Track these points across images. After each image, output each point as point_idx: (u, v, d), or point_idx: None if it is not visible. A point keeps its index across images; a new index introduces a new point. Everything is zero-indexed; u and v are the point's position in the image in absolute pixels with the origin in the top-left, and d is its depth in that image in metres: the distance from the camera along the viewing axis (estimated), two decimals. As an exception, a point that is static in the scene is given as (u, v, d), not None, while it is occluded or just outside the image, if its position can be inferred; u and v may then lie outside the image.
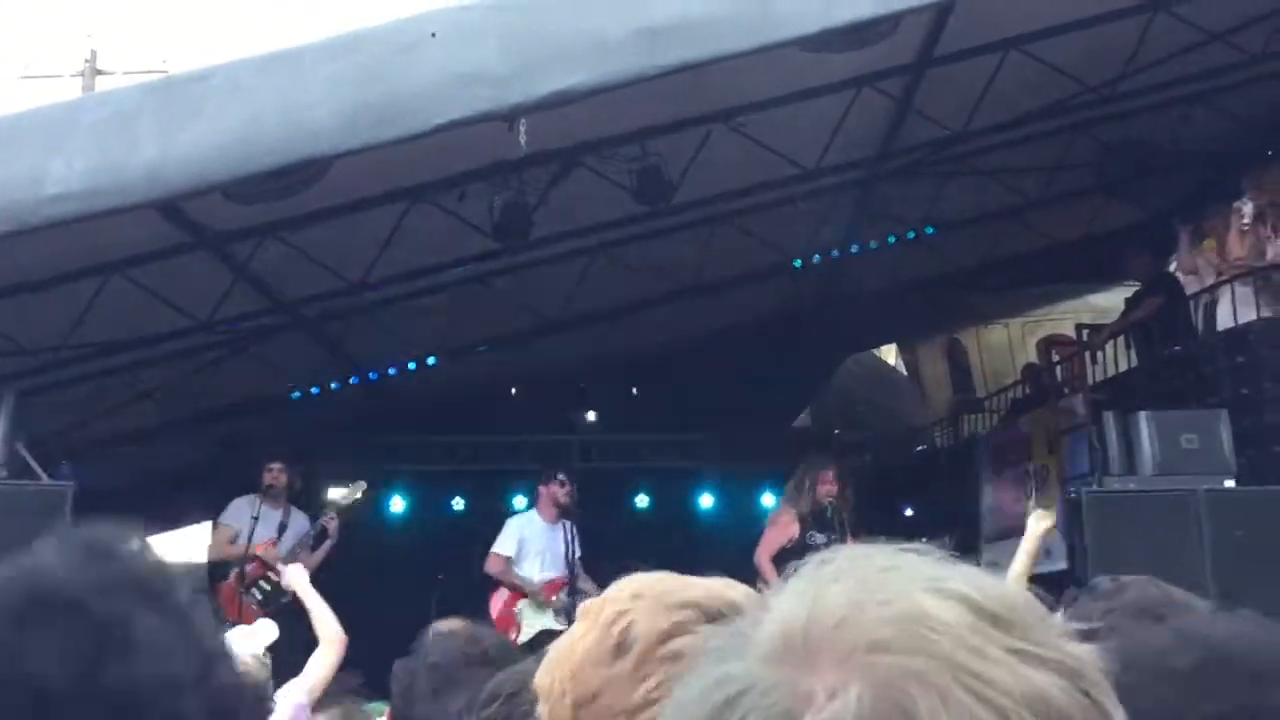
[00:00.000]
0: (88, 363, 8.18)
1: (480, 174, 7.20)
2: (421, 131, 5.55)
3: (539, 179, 7.35)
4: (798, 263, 9.91)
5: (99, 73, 19.38)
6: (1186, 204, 9.99)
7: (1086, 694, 0.63)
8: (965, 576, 0.66)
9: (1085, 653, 0.65)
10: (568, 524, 8.10)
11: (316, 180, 5.97)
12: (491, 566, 8.01)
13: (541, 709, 1.14)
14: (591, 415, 11.35)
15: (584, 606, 1.21)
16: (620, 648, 1.11)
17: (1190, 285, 8.83)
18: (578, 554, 8.05)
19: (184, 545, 13.65)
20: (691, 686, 0.66)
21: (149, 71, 17.51)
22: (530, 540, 8.10)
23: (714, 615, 1.12)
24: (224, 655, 0.90)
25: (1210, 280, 8.12)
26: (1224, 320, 7.55)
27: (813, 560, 0.70)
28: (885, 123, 8.12)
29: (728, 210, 8.66)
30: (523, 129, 5.50)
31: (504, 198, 7.34)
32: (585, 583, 7.62)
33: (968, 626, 0.63)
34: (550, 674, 1.15)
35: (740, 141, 7.49)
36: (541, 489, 8.27)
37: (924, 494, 11.83)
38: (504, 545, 8.09)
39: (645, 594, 1.15)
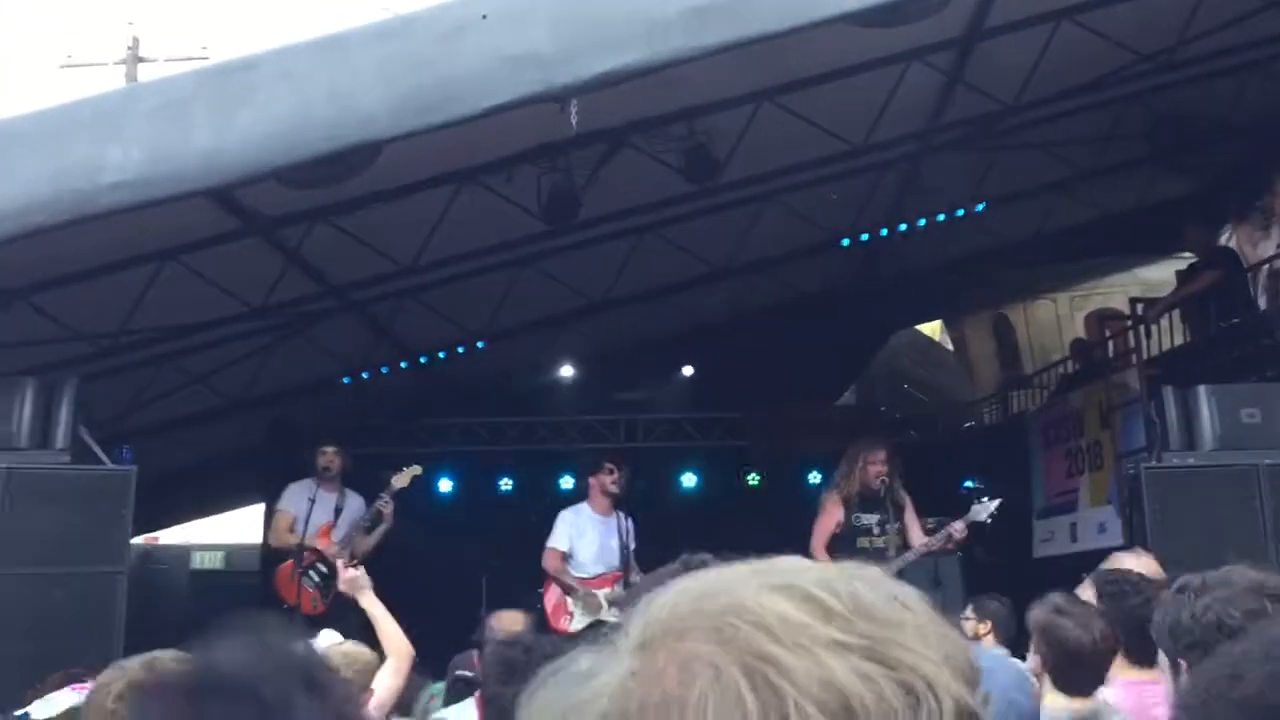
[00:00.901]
0: (143, 349, 8.29)
1: (527, 156, 7.20)
2: (471, 115, 5.55)
3: (586, 159, 7.34)
4: (845, 241, 9.83)
5: (140, 60, 19.55)
6: (1238, 175, 9.83)
7: (903, 685, 0.63)
8: (825, 577, 0.68)
9: (934, 648, 0.65)
10: (622, 515, 8.01)
11: (368, 165, 5.98)
12: (548, 562, 7.92)
13: None
14: (638, 395, 11.35)
15: None
16: None
17: (1248, 257, 8.69)
18: (633, 546, 7.94)
19: (234, 526, 13.87)
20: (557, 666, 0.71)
21: (190, 59, 17.66)
22: (582, 534, 7.96)
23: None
24: None
25: (1272, 251, 7.97)
26: None
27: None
28: (934, 97, 8.03)
29: (775, 188, 8.61)
30: (574, 110, 5.49)
31: (551, 179, 7.34)
32: (637, 575, 7.54)
33: (782, 619, 0.65)
34: None
35: (788, 119, 7.44)
36: (591, 480, 8.10)
37: (972, 471, 11.75)
38: (558, 540, 7.93)
39: None
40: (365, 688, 4.31)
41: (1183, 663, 2.07)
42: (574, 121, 5.59)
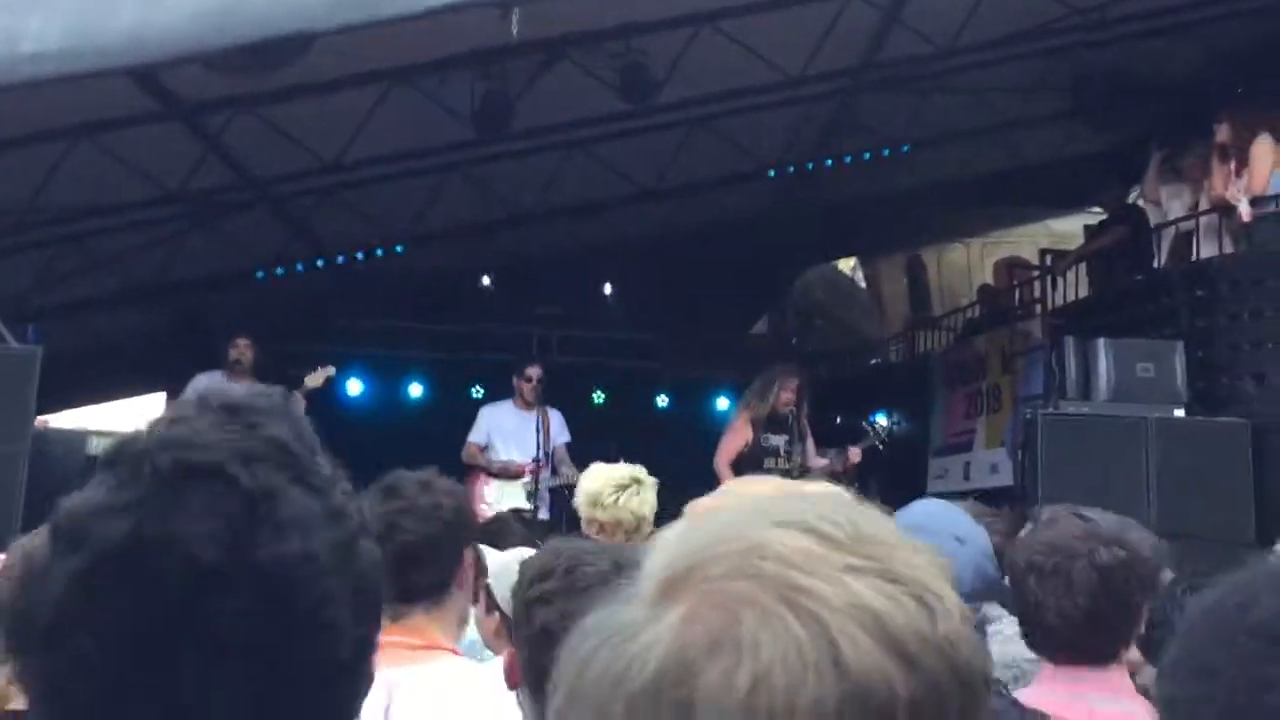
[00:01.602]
0: (51, 227, 8.05)
1: (463, 60, 7.10)
2: (410, 14, 5.46)
3: (522, 70, 7.25)
4: (772, 172, 9.89)
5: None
6: (1158, 134, 10.09)
7: (917, 599, 0.68)
8: (819, 511, 0.72)
9: (927, 563, 0.71)
10: (547, 410, 8.16)
11: (299, 55, 5.86)
12: (465, 455, 8.15)
13: None
14: (555, 309, 11.36)
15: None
16: None
17: (1153, 215, 8.96)
18: (561, 440, 8.12)
19: (129, 416, 13.60)
20: (582, 627, 0.73)
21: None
22: (499, 428, 8.20)
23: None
24: (365, 532, 0.89)
25: (1179, 213, 8.24)
26: (1205, 253, 7.69)
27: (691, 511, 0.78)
28: (871, 35, 8.08)
29: (708, 113, 8.62)
30: (515, 18, 5.42)
31: (486, 86, 7.25)
32: (567, 467, 7.72)
33: (801, 551, 0.69)
34: None
35: (726, 44, 7.43)
36: (515, 381, 8.37)
37: (876, 407, 12.06)
38: (475, 434, 8.22)
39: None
40: None
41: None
42: (515, 30, 5.53)
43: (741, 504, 0.75)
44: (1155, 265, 8.48)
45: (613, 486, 3.96)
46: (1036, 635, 2.30)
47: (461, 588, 2.36)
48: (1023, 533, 2.64)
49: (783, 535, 0.70)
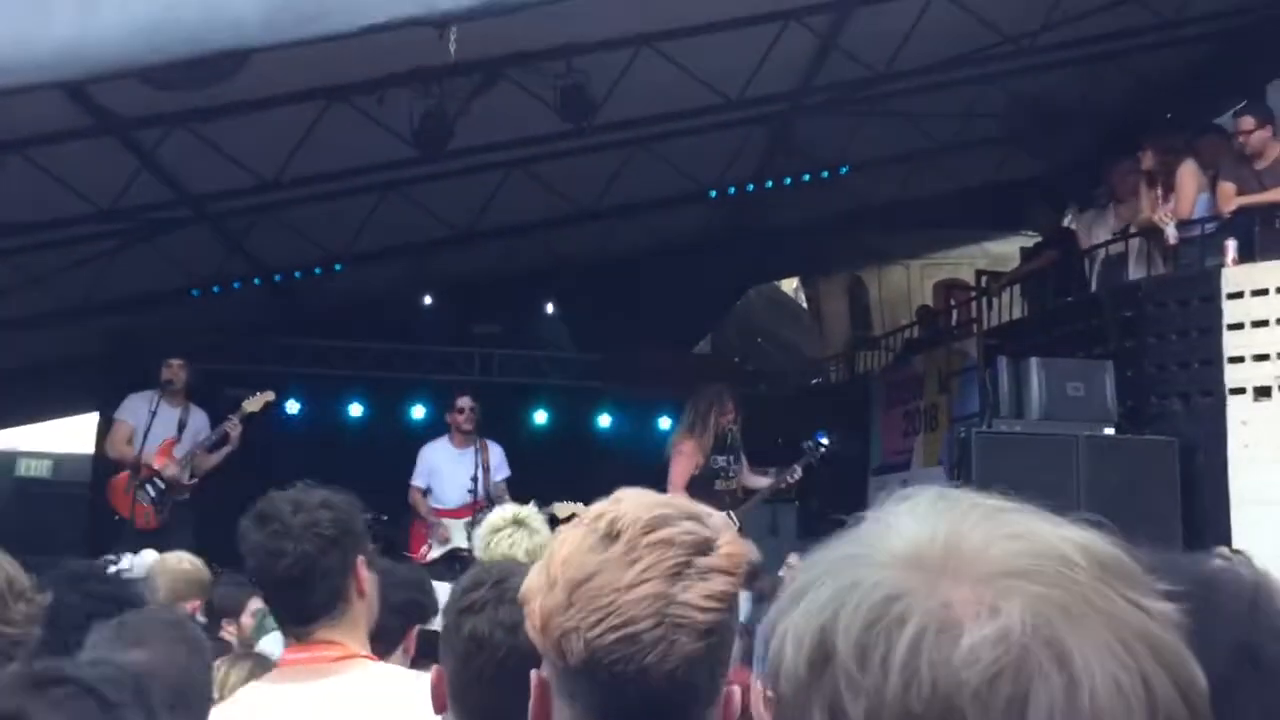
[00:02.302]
0: (-22, 244, 7.90)
1: (401, 79, 7.08)
2: (347, 31, 5.43)
3: (461, 89, 7.25)
4: (712, 193, 9.98)
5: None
6: (1082, 162, 10.32)
7: (1174, 638, 0.71)
8: (1070, 526, 0.74)
9: (1170, 609, 0.73)
10: (485, 445, 8.07)
11: (234, 72, 5.81)
12: (410, 498, 8.07)
13: (531, 608, 1.19)
14: (494, 328, 11.33)
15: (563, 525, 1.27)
16: (609, 536, 1.17)
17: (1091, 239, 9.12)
18: (500, 475, 8.03)
19: (64, 436, 13.35)
20: (827, 578, 0.73)
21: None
22: (439, 468, 8.09)
23: (692, 514, 1.20)
24: None
25: (1104, 237, 8.42)
26: (1134, 275, 7.86)
27: (898, 494, 0.78)
28: (808, 59, 8.19)
29: (647, 134, 8.67)
30: (453, 37, 5.42)
31: (424, 105, 7.24)
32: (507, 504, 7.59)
33: (1093, 572, 0.70)
34: (538, 574, 1.21)
35: (666, 66, 7.49)
36: (447, 417, 8.25)
37: (815, 426, 12.14)
38: (416, 477, 8.11)
39: (624, 497, 1.22)
40: (190, 598, 4.28)
41: None
42: (453, 49, 5.53)
43: (959, 498, 0.76)
44: (1086, 287, 8.65)
45: (489, 529, 3.97)
46: None
47: (362, 595, 2.33)
48: None
49: (1068, 547, 0.71)
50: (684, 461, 7.80)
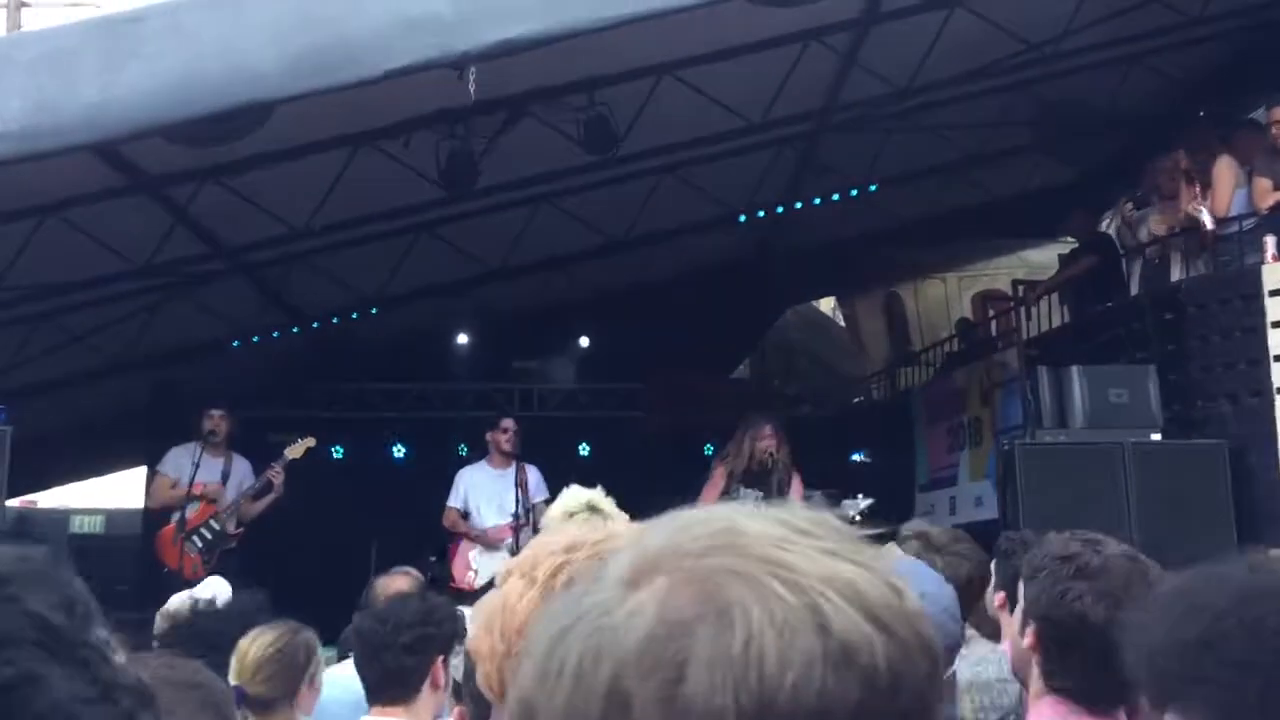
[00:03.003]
0: (22, 305, 8.04)
1: (426, 121, 7.14)
2: (367, 79, 5.49)
3: (485, 127, 7.30)
4: (742, 217, 9.96)
5: (24, 4, 18.78)
6: (1119, 164, 10.20)
7: (885, 580, 0.72)
8: (785, 510, 0.77)
9: (883, 555, 0.75)
10: (521, 468, 8.09)
11: (259, 125, 5.90)
12: (446, 520, 8.10)
13: (484, 670, 1.15)
14: (533, 364, 11.36)
15: (510, 565, 1.21)
16: (530, 580, 1.15)
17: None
18: (540, 497, 8.00)
19: (118, 491, 13.53)
20: (538, 629, 0.75)
21: (76, 4, 17.01)
22: (477, 489, 8.14)
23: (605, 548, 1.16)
24: (143, 706, 0.81)
25: (1147, 237, 8.28)
26: (1176, 276, 7.73)
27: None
28: (830, 78, 8.17)
29: (673, 162, 8.68)
30: (472, 78, 5.47)
31: (450, 145, 7.29)
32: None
33: (777, 535, 0.73)
34: (490, 635, 1.16)
35: (687, 93, 7.51)
36: (488, 436, 8.30)
37: (860, 446, 12.05)
38: (453, 498, 8.18)
39: (579, 544, 1.18)
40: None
41: (1034, 624, 2.20)
42: (472, 89, 5.57)
43: (686, 516, 0.77)
44: (1126, 291, 8.53)
45: (562, 513, 3.83)
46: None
47: (435, 688, 2.91)
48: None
49: (754, 522, 0.74)
50: (710, 490, 7.77)
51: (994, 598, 3.16)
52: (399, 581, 4.92)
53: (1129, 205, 7.99)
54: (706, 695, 0.66)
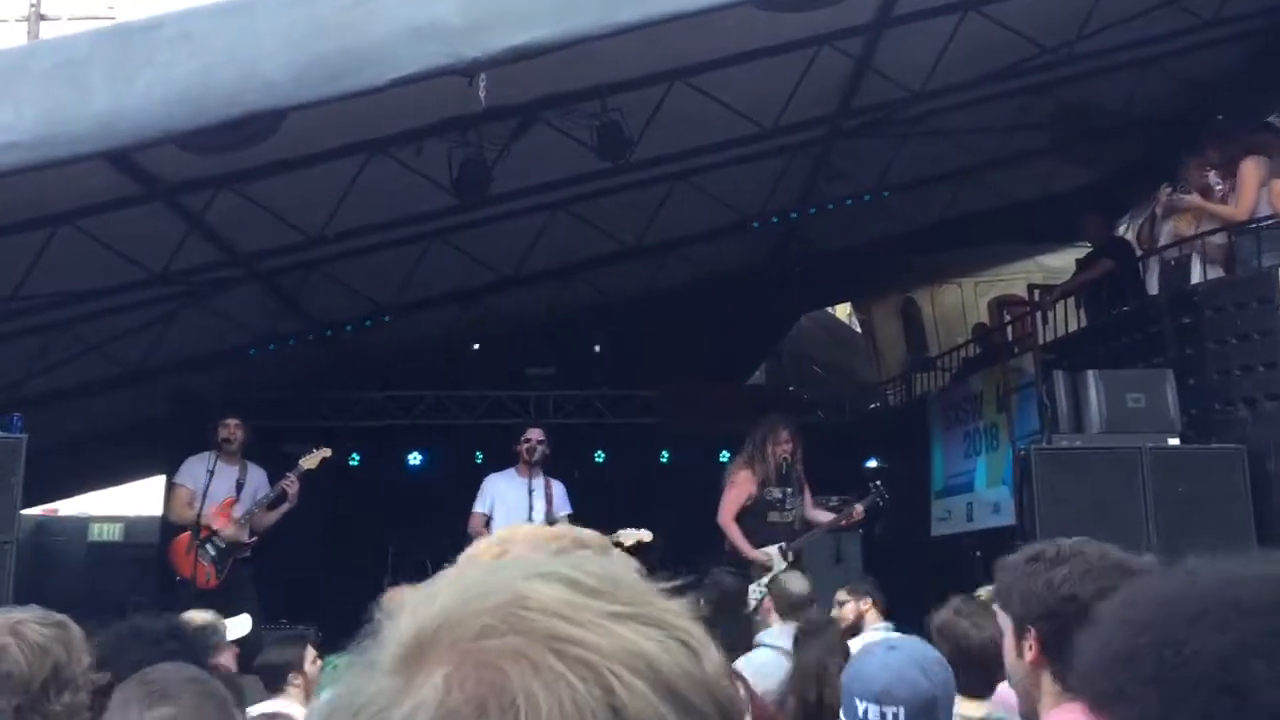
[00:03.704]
0: (37, 315, 8.08)
1: (438, 128, 7.15)
2: (376, 86, 5.48)
3: (498, 134, 7.31)
4: (755, 224, 9.94)
5: (43, 18, 18.95)
6: (1136, 167, 10.13)
7: (681, 641, 0.69)
8: (571, 562, 0.73)
9: (679, 607, 0.72)
10: (546, 480, 8.12)
11: (271, 132, 5.90)
12: (470, 525, 8.12)
13: None
14: (548, 370, 11.36)
15: (463, 555, 1.24)
16: None
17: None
18: (564, 512, 8.03)
19: (136, 499, 13.59)
20: (323, 709, 0.71)
21: (95, 18, 17.14)
22: (502, 496, 8.17)
23: (584, 543, 1.17)
24: None
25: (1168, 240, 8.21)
26: (1196, 278, 7.66)
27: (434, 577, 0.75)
28: (843, 82, 8.14)
29: (686, 168, 8.67)
30: (483, 85, 5.46)
31: (463, 153, 7.30)
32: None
33: (564, 602, 0.68)
34: None
35: (700, 99, 7.49)
36: (515, 446, 8.34)
37: (876, 452, 11.99)
38: (479, 504, 8.18)
39: (515, 536, 1.20)
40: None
41: (1031, 630, 2.17)
42: (482, 96, 5.57)
43: (488, 564, 0.73)
44: (1143, 295, 8.45)
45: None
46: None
47: None
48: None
49: (541, 586, 0.69)
50: (734, 492, 7.75)
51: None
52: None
53: (1168, 190, 7.87)
54: None
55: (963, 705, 3.45)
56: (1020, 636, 2.19)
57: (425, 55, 5.36)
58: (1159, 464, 6.48)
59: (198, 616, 4.72)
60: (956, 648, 3.47)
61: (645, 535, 7.73)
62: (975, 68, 8.00)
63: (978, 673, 3.46)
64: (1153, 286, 8.29)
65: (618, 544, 7.94)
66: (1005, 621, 2.27)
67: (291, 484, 7.95)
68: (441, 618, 0.69)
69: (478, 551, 1.19)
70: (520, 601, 0.68)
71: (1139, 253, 8.90)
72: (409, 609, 0.71)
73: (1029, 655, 2.17)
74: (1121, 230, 10.38)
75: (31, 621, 2.14)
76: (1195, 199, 7.66)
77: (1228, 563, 1.08)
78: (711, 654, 0.70)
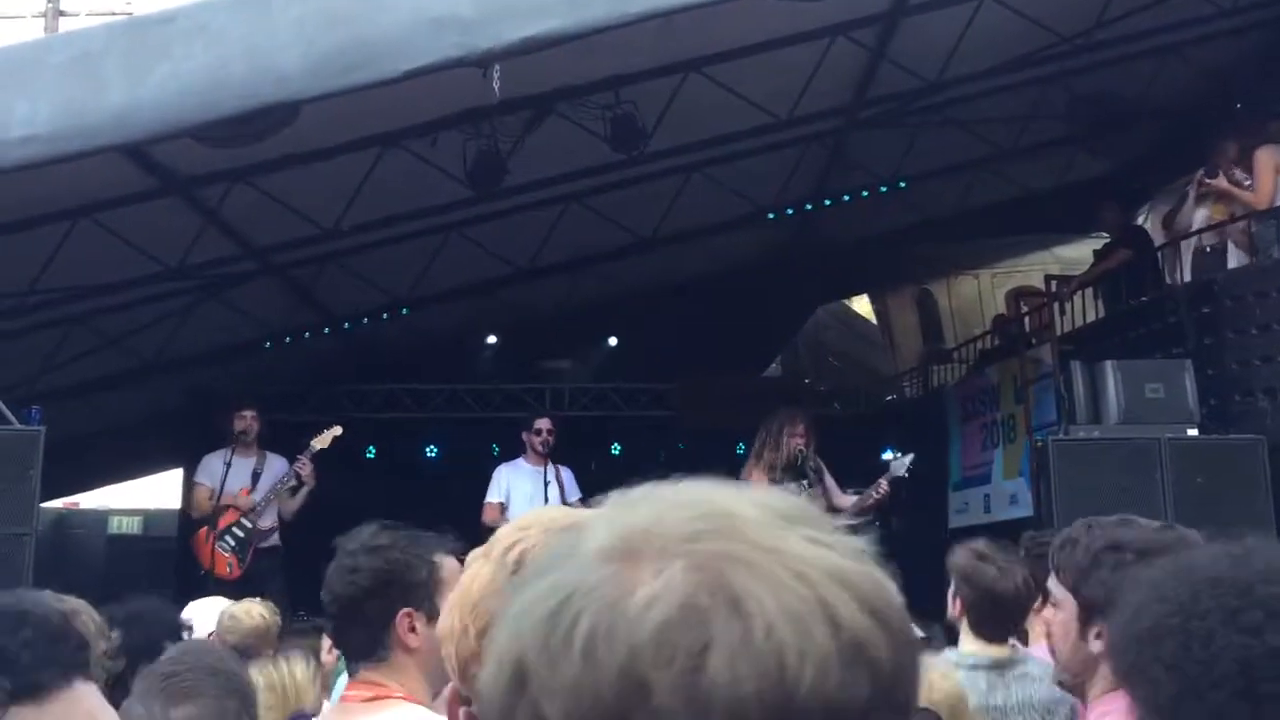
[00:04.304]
0: (55, 308, 8.12)
1: (453, 120, 7.15)
2: (391, 78, 5.49)
3: (512, 126, 7.30)
4: (771, 214, 9.91)
5: (61, 14, 19.01)
6: (1155, 157, 10.06)
7: (879, 579, 0.73)
8: (758, 491, 0.77)
9: (864, 542, 0.75)
10: (555, 468, 8.14)
11: (286, 125, 5.91)
12: (486, 516, 8.14)
13: (446, 651, 1.16)
14: (564, 363, 11.37)
15: (476, 551, 1.23)
16: (515, 574, 1.14)
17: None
18: (573, 497, 8.04)
19: (156, 492, 13.67)
20: (526, 593, 0.72)
21: (112, 13, 17.19)
22: (517, 485, 8.20)
23: None
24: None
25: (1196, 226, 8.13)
26: (1232, 264, 7.57)
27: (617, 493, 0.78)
28: (859, 72, 8.11)
29: (700, 159, 8.65)
30: (496, 76, 5.46)
31: (477, 145, 7.29)
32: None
33: (767, 521, 0.72)
34: (451, 616, 1.17)
35: (714, 90, 7.47)
36: (524, 436, 8.35)
37: (892, 444, 11.94)
38: (493, 493, 8.21)
39: (532, 523, 1.18)
40: (261, 649, 4.27)
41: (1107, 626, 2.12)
42: (496, 87, 5.56)
43: (678, 485, 0.76)
44: (1166, 284, 8.39)
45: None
46: None
47: (409, 652, 2.24)
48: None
49: (742, 503, 0.73)
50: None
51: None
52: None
53: (1202, 174, 7.79)
54: (729, 685, 0.66)
55: (987, 649, 3.44)
56: (1086, 623, 2.14)
57: (439, 47, 5.37)
58: (1178, 455, 6.43)
59: (211, 605, 4.75)
60: (982, 594, 3.44)
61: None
62: (992, 57, 7.95)
63: (1002, 618, 3.46)
64: (1185, 273, 8.19)
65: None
66: (1064, 597, 2.21)
67: (304, 465, 7.99)
68: (650, 521, 0.72)
69: (501, 538, 1.18)
70: (726, 513, 0.71)
71: (1159, 241, 8.85)
72: (602, 519, 0.74)
73: (1096, 646, 2.12)
74: (1140, 220, 10.31)
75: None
76: (1223, 182, 7.59)
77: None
78: (894, 588, 0.73)
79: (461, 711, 1.17)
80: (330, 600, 2.26)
